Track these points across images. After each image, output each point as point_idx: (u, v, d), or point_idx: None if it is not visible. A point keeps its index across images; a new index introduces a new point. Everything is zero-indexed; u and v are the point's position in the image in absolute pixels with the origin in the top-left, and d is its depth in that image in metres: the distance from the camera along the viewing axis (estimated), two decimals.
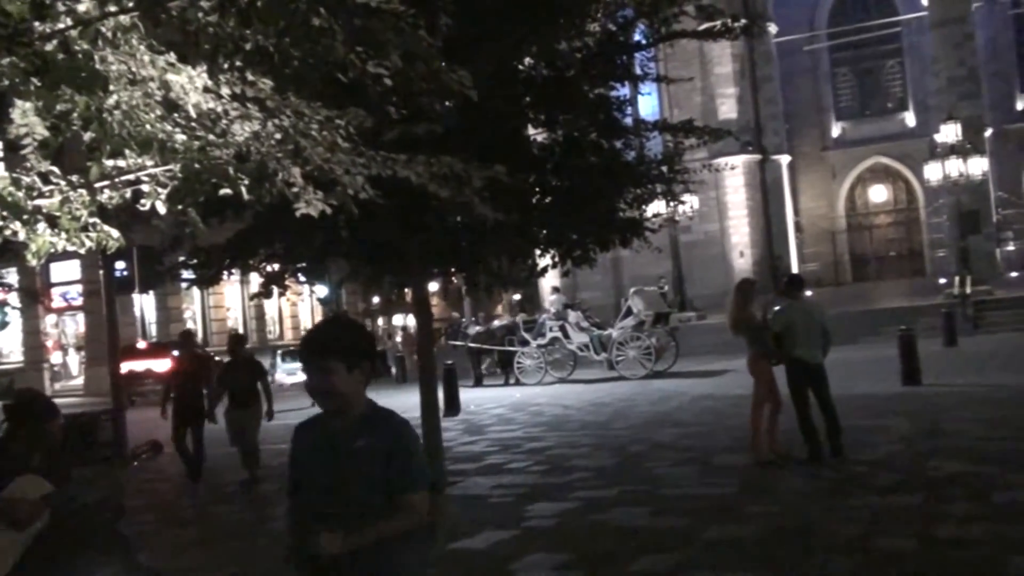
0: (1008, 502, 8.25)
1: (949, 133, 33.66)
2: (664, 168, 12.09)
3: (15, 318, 36.59)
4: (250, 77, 5.86)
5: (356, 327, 3.61)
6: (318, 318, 43.81)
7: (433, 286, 46.02)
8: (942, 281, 35.07)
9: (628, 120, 12.44)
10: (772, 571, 6.82)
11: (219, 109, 5.72)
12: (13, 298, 35.49)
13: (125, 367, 28.23)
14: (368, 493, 3.36)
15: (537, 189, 11.15)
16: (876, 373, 18.57)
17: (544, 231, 11.41)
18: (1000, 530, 7.37)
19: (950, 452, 10.80)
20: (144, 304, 36.12)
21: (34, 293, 35.22)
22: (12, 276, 35.23)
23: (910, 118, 45.75)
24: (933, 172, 34.16)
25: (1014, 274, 38.85)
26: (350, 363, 3.40)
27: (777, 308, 11.19)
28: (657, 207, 14.13)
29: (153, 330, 37.42)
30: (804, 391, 10.63)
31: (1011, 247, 42.48)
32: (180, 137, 5.67)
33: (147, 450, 6.60)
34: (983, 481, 9.15)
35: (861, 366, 19.72)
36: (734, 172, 37.43)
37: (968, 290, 30.38)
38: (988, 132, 40.57)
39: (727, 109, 40.87)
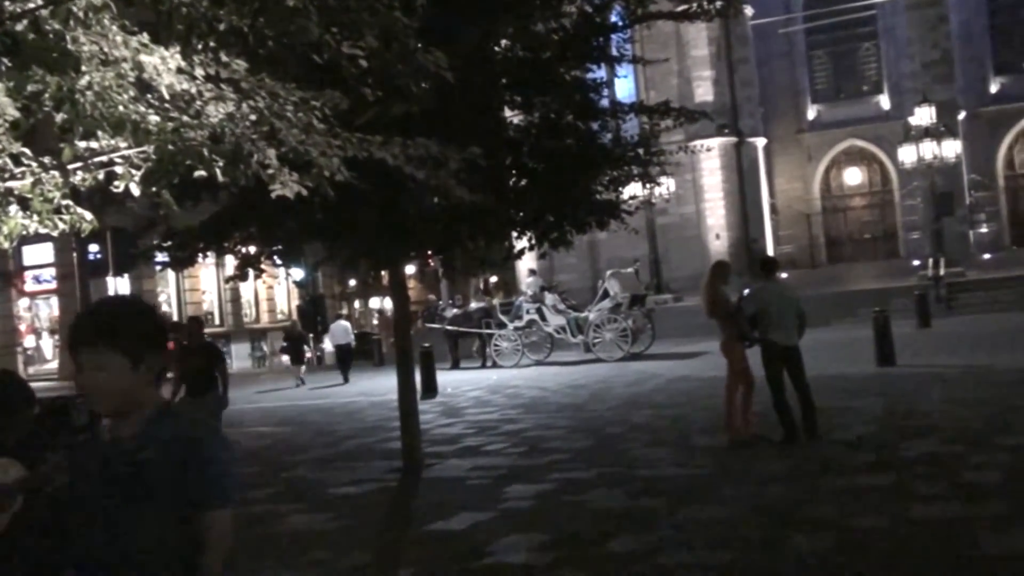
0: (979, 481, 8.35)
1: (923, 116, 33.86)
2: (640, 150, 12.11)
3: None
4: (224, 58, 5.82)
5: (146, 310, 2.90)
6: (295, 301, 43.68)
7: (410, 269, 45.97)
8: (916, 263, 35.32)
9: (604, 102, 12.44)
10: (746, 551, 6.87)
11: (193, 90, 5.68)
12: None
13: None
14: (157, 522, 2.68)
15: (513, 171, 11.14)
16: (851, 354, 18.71)
17: (521, 213, 11.41)
18: (971, 509, 7.45)
19: (923, 432, 10.91)
20: (118, 287, 35.82)
21: (7, 276, 34.91)
22: None
23: (885, 101, 45.89)
24: (907, 155, 34.36)
25: (987, 256, 39.16)
26: (135, 356, 2.72)
27: (749, 290, 11.25)
28: (633, 189, 14.15)
29: None
30: (779, 373, 10.69)
31: (984, 229, 42.79)
32: (153, 118, 5.63)
33: None
34: (955, 460, 9.25)
35: (836, 347, 19.86)
36: (710, 154, 37.48)
37: (942, 272, 30.63)
38: (962, 115, 40.77)
39: (703, 92, 40.87)
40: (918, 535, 6.91)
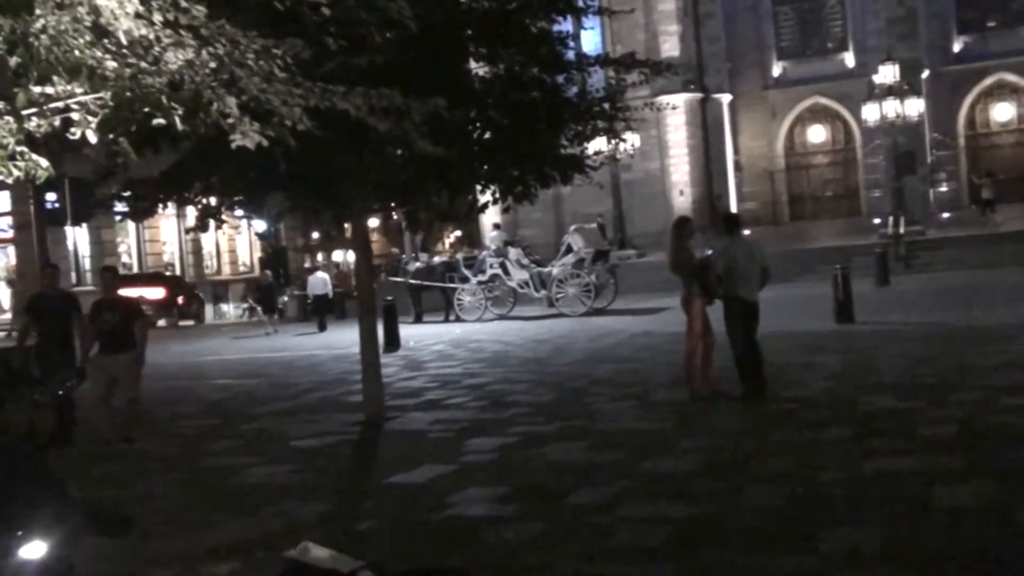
0: (933, 436, 8.49)
1: (887, 74, 33.97)
2: (606, 105, 12.05)
3: None
4: (183, 3, 5.70)
5: None
6: (256, 253, 43.39)
7: (373, 222, 45.73)
8: (877, 221, 35.60)
9: (570, 55, 12.34)
10: (706, 503, 6.96)
11: (151, 36, 5.57)
12: None
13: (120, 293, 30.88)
14: None
15: (478, 124, 11.05)
16: (810, 311, 18.89)
17: (485, 167, 11.34)
18: (925, 463, 7.58)
19: (880, 388, 11.06)
20: (77, 237, 35.38)
21: None
22: None
23: (849, 58, 45.92)
24: (870, 113, 34.51)
25: (946, 215, 39.55)
26: None
27: (715, 248, 11.28)
28: (598, 144, 14.09)
29: (87, 264, 36.73)
30: (741, 328, 10.77)
31: (944, 188, 43.15)
32: (111, 64, 5.52)
33: (71, 378, 6.45)
34: (910, 416, 9.40)
35: (796, 304, 20.05)
36: (675, 111, 37.48)
37: (902, 230, 30.92)
38: (925, 74, 40.95)
39: (670, 47, 40.74)
40: (873, 488, 7.02)
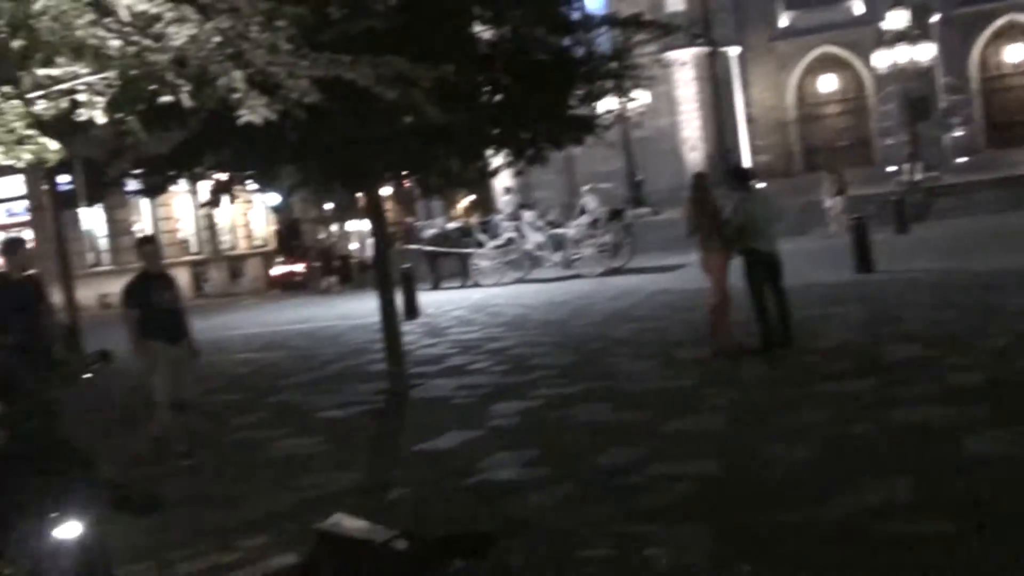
0: (961, 384, 8.41)
1: (896, 19, 33.52)
2: (614, 64, 11.91)
3: None
4: None
5: None
6: (271, 226, 43.37)
7: (386, 190, 45.54)
8: (891, 169, 35.31)
9: (576, 15, 12.19)
10: (732, 459, 6.93)
11: (153, 11, 5.49)
12: None
13: None
14: None
15: (486, 88, 10.94)
16: (829, 262, 18.75)
17: (495, 131, 11.24)
18: (953, 411, 7.51)
19: (903, 337, 10.97)
20: (92, 218, 35.48)
21: None
22: None
23: (857, 5, 45.26)
24: (881, 60, 34.11)
25: (962, 160, 39.15)
26: None
27: (732, 201, 11.17)
28: (608, 104, 13.97)
29: (103, 244, 36.87)
30: (762, 281, 10.69)
31: (958, 133, 42.69)
32: (114, 43, 5.46)
33: (97, 359, 6.44)
34: (936, 364, 9.32)
35: (814, 255, 19.90)
36: (684, 66, 37.14)
37: (918, 177, 30.64)
38: (935, 17, 40.39)
39: (675, 1, 40.31)
40: (902, 439, 6.97)
